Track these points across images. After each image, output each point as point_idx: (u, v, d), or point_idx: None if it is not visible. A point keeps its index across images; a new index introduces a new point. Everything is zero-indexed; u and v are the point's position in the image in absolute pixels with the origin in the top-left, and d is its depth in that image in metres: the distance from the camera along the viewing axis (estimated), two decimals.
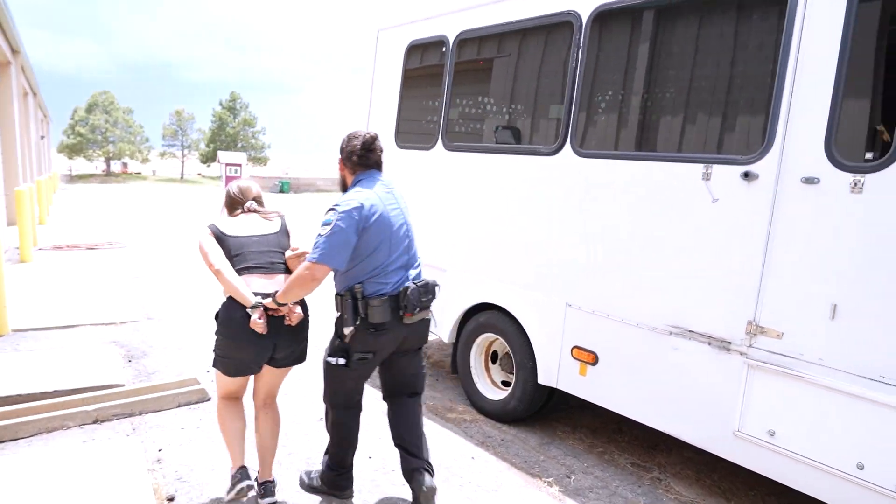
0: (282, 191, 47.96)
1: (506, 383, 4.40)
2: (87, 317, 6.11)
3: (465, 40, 4.45)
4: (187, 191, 42.84)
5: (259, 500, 2.93)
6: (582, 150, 3.62)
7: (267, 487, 2.95)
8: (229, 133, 63.78)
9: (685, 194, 3.08)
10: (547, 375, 3.88)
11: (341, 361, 2.76)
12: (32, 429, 3.61)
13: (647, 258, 3.27)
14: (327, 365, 2.86)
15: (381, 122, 5.28)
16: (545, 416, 4.34)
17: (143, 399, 4.00)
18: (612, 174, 3.45)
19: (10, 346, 5.14)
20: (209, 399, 4.20)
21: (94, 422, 3.79)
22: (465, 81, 4.56)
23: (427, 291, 2.81)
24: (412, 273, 2.86)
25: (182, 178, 65.27)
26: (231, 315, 2.75)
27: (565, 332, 3.74)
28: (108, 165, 61.04)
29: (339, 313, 2.77)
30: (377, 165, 2.92)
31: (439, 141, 4.62)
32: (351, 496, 3.10)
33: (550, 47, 3.94)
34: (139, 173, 66.04)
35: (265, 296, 2.73)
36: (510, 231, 4.05)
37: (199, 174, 72.50)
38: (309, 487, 3.15)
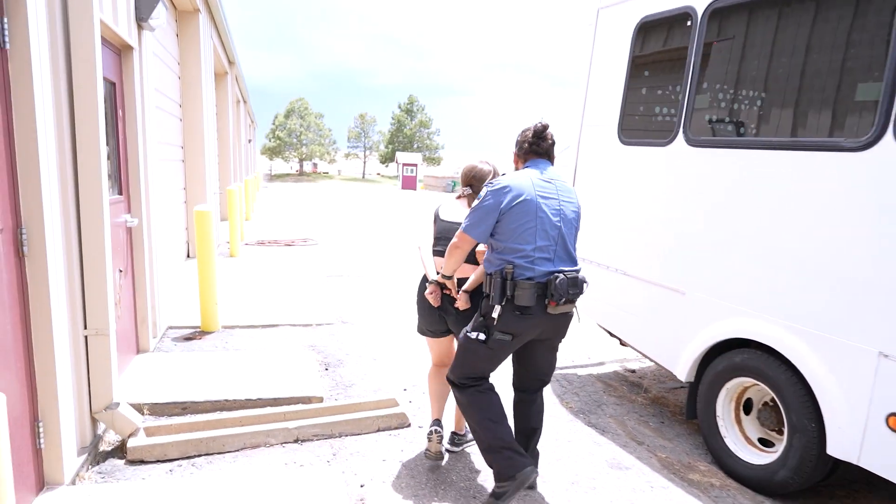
0: (453, 189, 49.10)
1: (764, 441, 3.45)
2: (287, 317, 6.16)
3: (720, 10, 3.57)
4: (367, 189, 45.40)
5: (447, 446, 3.50)
6: None
7: (452, 437, 3.52)
8: (406, 134, 66.78)
9: None
10: (841, 446, 2.89)
11: (481, 337, 2.83)
12: (238, 443, 3.45)
13: None
14: (466, 339, 2.91)
15: (601, 115, 4.56)
16: (820, 485, 3.33)
17: (343, 420, 3.70)
18: None
19: (220, 343, 5.25)
20: (409, 425, 3.81)
21: (296, 441, 3.55)
22: (719, 62, 3.67)
23: (575, 284, 2.77)
24: (564, 268, 2.80)
25: (363, 177, 69.72)
26: (421, 285, 3.29)
27: (878, 393, 2.74)
28: (301, 166, 67.03)
29: (487, 292, 2.83)
30: (546, 155, 2.97)
31: (679, 135, 3.79)
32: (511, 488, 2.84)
33: (847, 10, 2.95)
34: (326, 173, 71.74)
35: (446, 277, 3.04)
36: (791, 251, 3.11)
37: (378, 174, 76.98)
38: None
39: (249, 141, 29.05)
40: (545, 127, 2.95)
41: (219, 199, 14.13)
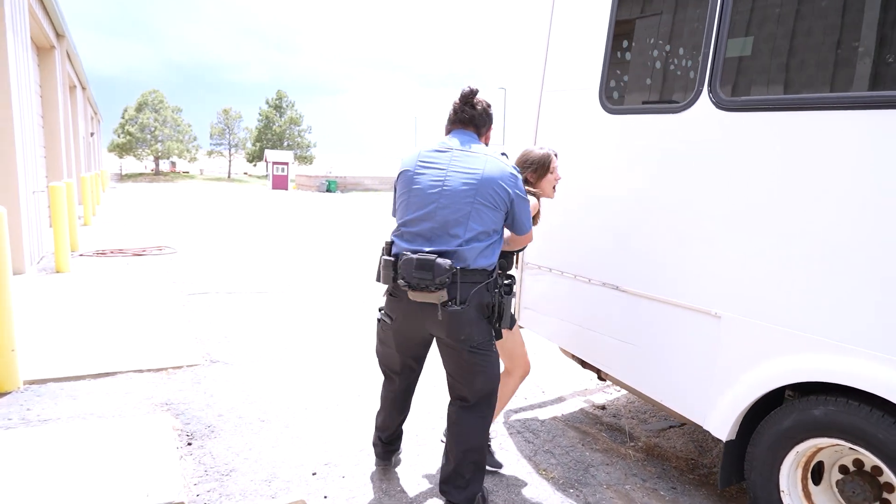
0: (329, 190, 46.84)
1: None
2: (129, 358, 4.41)
3: None
4: (234, 189, 42.02)
5: None
6: None
7: None
8: (276, 132, 63.29)
9: None
10: None
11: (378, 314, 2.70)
12: None
13: None
14: None
15: (570, 76, 3.41)
16: None
17: None
18: None
19: (17, 411, 3.46)
20: None
21: None
22: None
23: (423, 267, 2.33)
24: (425, 248, 2.41)
25: (229, 176, 65.12)
26: None
27: None
28: (157, 164, 61.14)
29: None
30: (472, 124, 2.65)
31: (703, 96, 2.71)
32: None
33: None
34: (187, 172, 66.17)
35: None
36: None
37: (246, 173, 72.46)
38: None
39: (92, 134, 25.24)
40: (472, 92, 2.64)
41: (40, 200, 11.48)
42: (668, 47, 2.99)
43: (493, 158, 2.50)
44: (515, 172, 2.55)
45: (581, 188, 3.34)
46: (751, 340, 2.56)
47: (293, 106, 64.76)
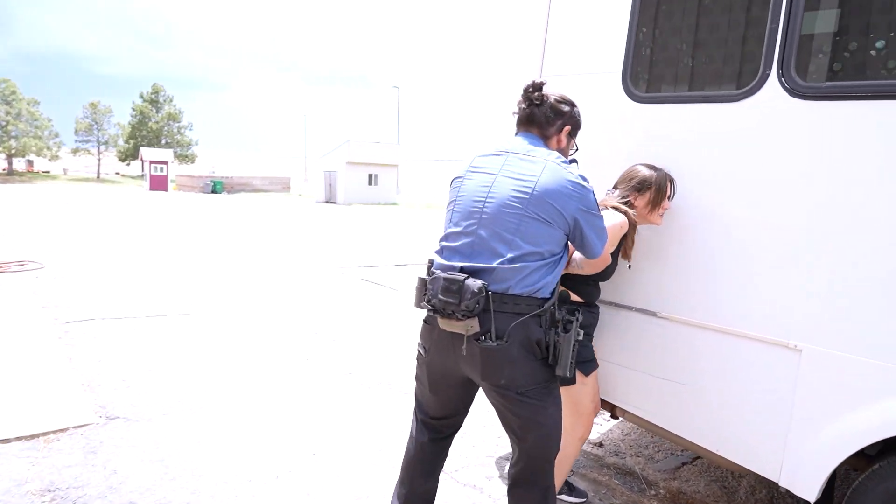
0: (214, 191, 44.05)
1: None
2: None
3: None
4: (106, 191, 38.28)
5: None
6: None
7: None
8: (152, 128, 58.75)
9: None
10: None
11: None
12: None
13: None
14: None
15: (584, 56, 2.82)
16: None
17: None
18: None
19: None
20: None
21: None
22: None
23: (449, 290, 1.87)
24: (478, 266, 1.92)
25: (98, 177, 59.50)
26: None
27: None
28: (10, 163, 54.56)
29: None
30: (533, 123, 2.15)
31: (771, 80, 2.21)
32: None
33: None
34: (47, 172, 59.69)
35: None
36: None
37: (118, 173, 66.74)
38: None
39: None
40: (534, 86, 2.15)
41: None
42: (718, 19, 2.47)
43: (553, 164, 1.99)
44: (582, 182, 1.97)
45: (599, 191, 2.76)
46: (842, 380, 2.08)
47: (171, 101, 60.29)
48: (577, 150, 2.29)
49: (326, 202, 35.71)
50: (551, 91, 2.16)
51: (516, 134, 2.18)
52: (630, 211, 2.39)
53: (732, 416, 2.40)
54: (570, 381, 2.18)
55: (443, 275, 1.91)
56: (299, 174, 64.72)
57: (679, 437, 2.61)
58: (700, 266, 2.46)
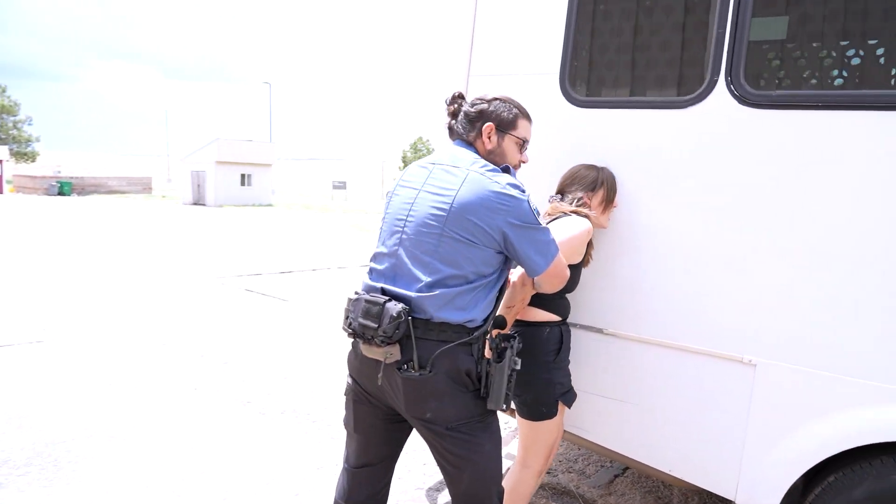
0: (61, 192, 39.72)
1: None
2: None
3: None
4: None
5: None
6: None
7: None
8: None
9: None
10: None
11: None
12: None
13: None
14: None
15: (513, 56, 2.63)
16: None
17: None
18: None
19: None
20: None
21: None
22: None
23: (369, 313, 1.74)
24: (398, 292, 1.78)
25: None
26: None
27: None
28: None
29: None
30: (458, 133, 1.98)
31: (719, 87, 2.14)
32: None
33: None
34: None
35: None
36: None
37: None
38: None
39: None
40: (451, 98, 2.01)
41: None
42: (663, 21, 2.37)
43: (475, 174, 1.80)
44: (510, 191, 1.76)
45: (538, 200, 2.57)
46: (799, 394, 2.05)
47: (4, 91, 53.50)
48: (524, 143, 2.06)
49: (195, 204, 33.35)
50: (472, 98, 2.00)
51: (452, 145, 1.99)
52: (591, 213, 2.23)
53: (685, 434, 2.32)
54: (538, 415, 2.09)
55: (364, 297, 1.79)
56: (162, 174, 60.07)
57: (630, 459, 2.50)
58: (647, 279, 2.35)
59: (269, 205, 33.89)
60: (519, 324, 2.23)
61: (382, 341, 1.71)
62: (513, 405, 2.29)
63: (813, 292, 2.00)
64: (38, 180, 42.58)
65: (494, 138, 1.93)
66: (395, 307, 1.70)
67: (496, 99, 1.96)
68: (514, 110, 1.98)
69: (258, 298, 7.64)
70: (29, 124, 54.57)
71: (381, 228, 1.94)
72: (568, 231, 2.14)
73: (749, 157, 2.10)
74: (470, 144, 1.94)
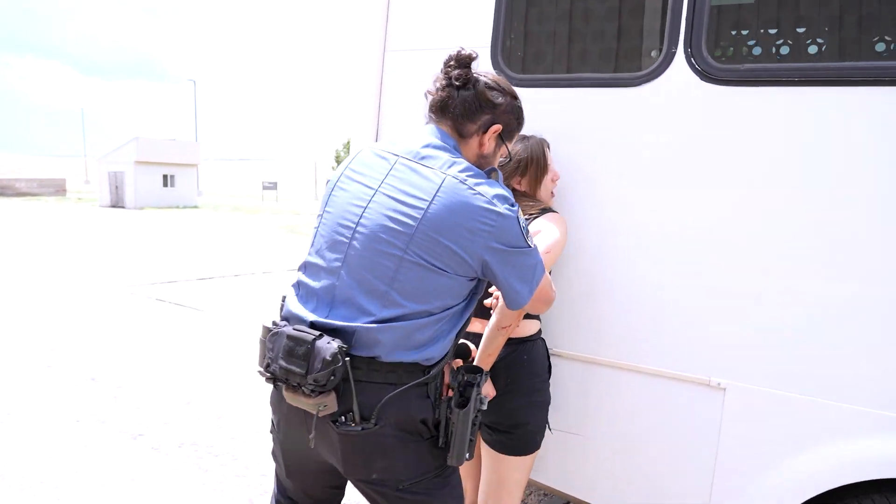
0: None
1: None
2: None
3: None
4: None
5: None
6: None
7: None
8: None
9: None
10: None
11: None
12: None
13: None
14: None
15: (435, 22, 2.23)
16: None
17: None
18: None
19: None
20: None
21: None
22: None
23: (292, 353, 1.29)
24: (335, 325, 1.33)
25: None
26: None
27: None
28: None
29: None
30: (433, 110, 1.48)
31: (677, 60, 1.81)
32: None
33: None
34: None
35: None
36: None
37: None
38: None
39: None
40: (458, 60, 1.43)
41: None
42: None
43: (453, 181, 1.35)
44: (498, 207, 1.34)
45: None
46: (778, 421, 1.74)
47: None
48: (508, 160, 1.69)
49: (113, 206, 31.33)
50: (486, 72, 1.50)
51: (426, 124, 1.51)
52: (543, 203, 1.95)
53: (642, 471, 1.98)
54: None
55: (286, 330, 1.33)
56: (79, 175, 56.59)
57: (581, 500, 2.14)
58: (594, 288, 2.00)
59: (195, 206, 32.29)
60: (509, 342, 1.83)
61: (312, 391, 1.28)
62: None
63: (790, 301, 1.69)
64: None
65: (492, 144, 1.48)
66: (328, 347, 1.27)
67: (513, 97, 1.50)
68: (521, 119, 1.55)
69: (169, 309, 6.94)
70: None
71: (318, 231, 1.48)
72: (550, 236, 1.80)
73: (713, 142, 1.78)
74: (455, 135, 1.46)
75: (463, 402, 1.39)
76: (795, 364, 1.70)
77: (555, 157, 1.99)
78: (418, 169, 1.37)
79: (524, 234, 1.36)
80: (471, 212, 1.31)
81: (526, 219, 1.84)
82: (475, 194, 1.32)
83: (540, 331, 1.95)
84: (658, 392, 1.91)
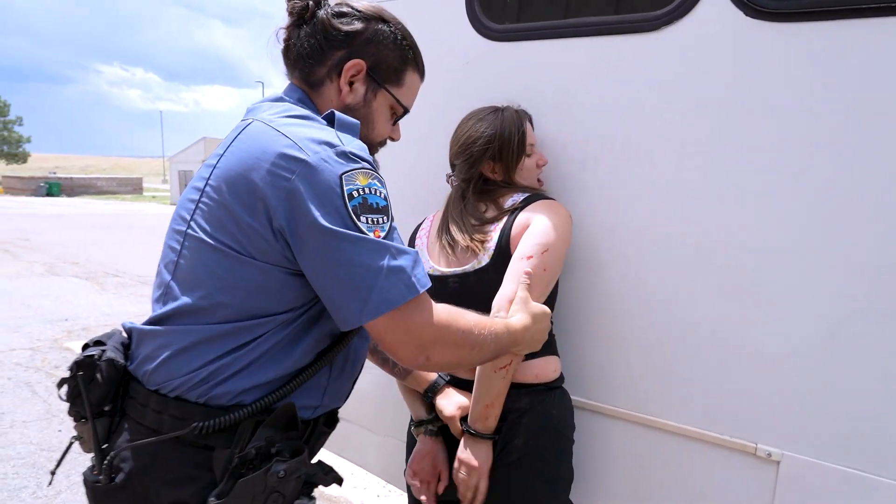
0: (50, 193, 39.01)
1: None
2: None
3: None
4: None
5: None
6: None
7: None
8: None
9: None
10: None
11: None
12: None
13: None
14: None
15: None
16: None
17: None
18: None
19: None
20: None
21: None
22: None
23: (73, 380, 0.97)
24: (156, 335, 0.97)
25: None
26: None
27: None
28: None
29: None
30: (287, 65, 1.09)
31: None
32: None
33: None
34: None
35: None
36: None
37: None
38: None
39: None
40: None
41: None
42: None
43: (259, 124, 0.96)
44: (299, 153, 0.87)
45: (427, 179, 1.67)
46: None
47: None
48: (403, 112, 1.18)
49: None
50: (336, 5, 1.06)
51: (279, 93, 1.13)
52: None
53: None
54: None
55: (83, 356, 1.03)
56: (158, 175, 59.64)
57: None
58: (601, 322, 1.47)
59: None
60: (525, 391, 1.32)
61: (75, 413, 1.00)
62: None
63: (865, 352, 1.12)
64: (26, 181, 42.02)
65: (361, 88, 1.05)
66: (80, 353, 0.98)
67: (381, 19, 1.06)
68: (407, 51, 1.09)
69: None
70: (19, 125, 53.98)
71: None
72: (542, 231, 1.30)
73: (773, 99, 1.22)
74: (308, 88, 1.06)
75: (244, 469, 0.91)
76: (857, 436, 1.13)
77: (544, 135, 1.48)
78: (243, 127, 0.99)
79: (357, 208, 0.86)
80: (263, 159, 0.87)
81: (511, 214, 1.34)
82: (278, 136, 0.89)
83: (562, 376, 1.41)
84: (693, 457, 1.37)
